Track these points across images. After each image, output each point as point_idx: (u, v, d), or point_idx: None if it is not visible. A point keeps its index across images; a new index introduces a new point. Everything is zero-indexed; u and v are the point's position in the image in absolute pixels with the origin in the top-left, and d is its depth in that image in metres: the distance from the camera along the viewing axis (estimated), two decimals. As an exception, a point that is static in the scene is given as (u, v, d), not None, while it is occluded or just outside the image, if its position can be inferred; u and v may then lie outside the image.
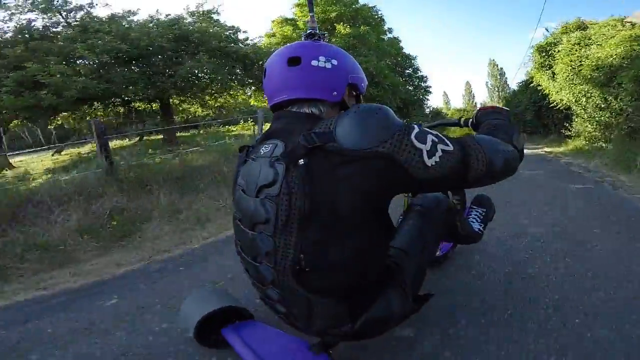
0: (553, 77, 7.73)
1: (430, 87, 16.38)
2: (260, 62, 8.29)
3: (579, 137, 7.15)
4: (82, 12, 7.93)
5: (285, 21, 14.14)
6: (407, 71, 15.90)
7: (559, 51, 7.30)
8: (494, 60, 45.74)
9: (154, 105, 10.39)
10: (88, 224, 3.44)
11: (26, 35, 6.96)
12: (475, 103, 44.88)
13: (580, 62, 6.48)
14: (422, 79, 16.10)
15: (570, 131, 7.40)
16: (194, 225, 3.76)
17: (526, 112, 10.89)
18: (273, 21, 14.22)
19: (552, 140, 9.36)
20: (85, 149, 12.45)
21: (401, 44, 15.82)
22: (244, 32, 9.23)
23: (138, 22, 7.62)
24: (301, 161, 0.68)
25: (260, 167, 0.76)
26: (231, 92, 10.47)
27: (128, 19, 8.08)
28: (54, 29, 7.67)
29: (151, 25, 7.24)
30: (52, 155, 12.03)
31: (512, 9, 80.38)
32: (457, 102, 55.41)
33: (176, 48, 7.04)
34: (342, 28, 12.03)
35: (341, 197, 0.67)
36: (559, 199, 3.02)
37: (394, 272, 0.87)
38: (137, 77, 6.72)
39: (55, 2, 7.42)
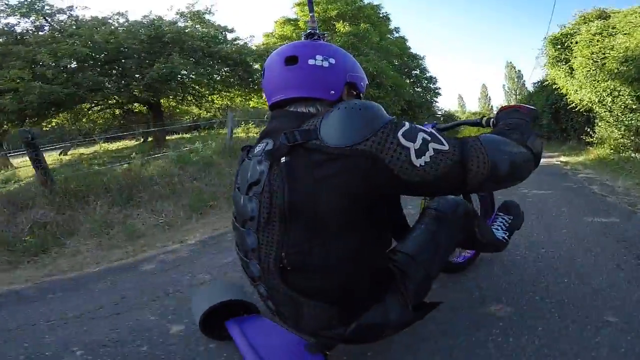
0: (571, 73, 6.76)
1: (440, 88, 15.60)
2: (246, 63, 7.87)
3: (602, 144, 6.10)
4: (64, 16, 7.77)
5: (288, 21, 13.85)
6: (414, 72, 15.17)
7: (577, 42, 6.28)
8: (511, 62, 44.17)
9: (141, 107, 10.20)
10: (5, 237, 3.11)
11: (2, 39, 6.81)
12: (492, 106, 44.00)
13: (604, 54, 5.53)
14: (431, 79, 15.33)
15: (592, 137, 6.37)
16: (123, 242, 3.28)
17: (542, 115, 9.90)
18: (276, 21, 13.99)
19: (571, 147, 8.35)
20: (89, 150, 12.64)
21: (408, 44, 15.19)
22: (230, 31, 8.83)
23: (113, 24, 7.35)
24: (283, 159, 0.68)
25: (251, 165, 0.78)
26: (226, 93, 10.19)
27: (117, 21, 7.90)
28: (40, 33, 7.56)
29: (120, 28, 6.93)
30: (60, 154, 12.32)
31: (531, 8, 77.66)
32: (473, 105, 54.18)
33: (148, 49, 6.73)
34: (342, 26, 11.53)
35: (322, 197, 0.67)
36: (576, 248, 1.80)
37: (396, 278, 0.83)
38: (104, 80, 6.42)
39: (35, 6, 7.27)
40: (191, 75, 7.33)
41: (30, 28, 7.51)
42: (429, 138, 0.67)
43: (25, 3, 6.76)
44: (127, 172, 4.12)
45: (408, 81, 15.39)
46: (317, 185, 0.66)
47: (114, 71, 6.86)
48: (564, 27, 7.32)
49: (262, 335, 0.98)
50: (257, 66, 8.02)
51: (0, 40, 6.92)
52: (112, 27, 6.72)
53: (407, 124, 0.69)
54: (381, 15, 14.20)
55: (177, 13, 8.95)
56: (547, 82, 8.62)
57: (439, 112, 17.62)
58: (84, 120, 12.03)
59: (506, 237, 1.33)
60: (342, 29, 11.55)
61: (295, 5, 13.26)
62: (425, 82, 15.43)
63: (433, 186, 0.68)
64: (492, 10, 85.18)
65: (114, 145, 11.35)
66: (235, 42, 8.85)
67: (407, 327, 0.89)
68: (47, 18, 7.70)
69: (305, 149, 0.68)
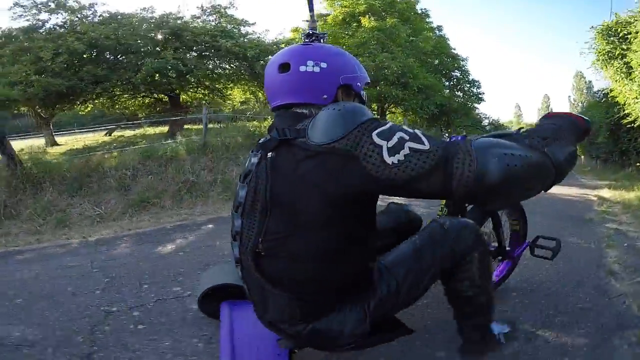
0: (629, 74, 5.49)
1: (483, 93, 14.21)
2: (249, 58, 8.05)
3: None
4: (89, 12, 8.64)
5: (318, 17, 13.85)
6: (455, 73, 14.08)
7: (637, 32, 5.06)
8: (581, 72, 39.00)
9: (162, 97, 11.02)
10: None
11: (31, 35, 7.79)
12: None
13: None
14: (474, 83, 14.08)
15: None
16: (50, 230, 3.59)
17: (599, 132, 8.53)
18: (304, 20, 14.10)
19: (627, 176, 7.05)
20: (129, 133, 14.22)
21: (451, 44, 14.18)
22: (249, 25, 9.17)
23: (130, 20, 7.98)
24: (270, 154, 0.75)
25: (250, 157, 0.86)
26: (242, 87, 10.57)
27: (141, 17, 8.62)
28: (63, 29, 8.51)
29: (125, 25, 7.50)
30: (105, 135, 14.19)
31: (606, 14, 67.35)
32: (532, 116, 49.27)
33: (148, 45, 7.20)
34: (367, 21, 11.14)
35: (302, 191, 0.71)
36: None
37: (365, 289, 0.84)
38: (106, 74, 7.04)
39: (61, 2, 8.20)
40: (194, 70, 7.66)
41: (60, 23, 8.44)
42: (407, 137, 0.66)
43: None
44: (85, 163, 4.43)
45: (447, 84, 14.41)
46: (298, 180, 0.71)
47: (117, 65, 7.48)
48: (620, 15, 5.88)
49: (246, 321, 1.03)
50: (262, 62, 8.15)
51: (20, 37, 7.83)
52: (116, 24, 7.31)
53: (388, 124, 0.69)
54: (419, 12, 13.46)
55: (198, 7, 9.45)
56: (605, 90, 7.36)
57: (485, 120, 16.18)
58: (117, 106, 13.26)
59: (498, 335, 1.03)
60: (367, 24, 11.17)
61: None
62: (468, 85, 14.26)
63: (410, 187, 0.66)
64: (564, 18, 75.76)
65: (154, 130, 12.55)
66: (248, 37, 9.09)
67: (370, 346, 0.89)
68: (76, 14, 8.58)
69: (291, 145, 0.73)
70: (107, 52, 7.47)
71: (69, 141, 13.84)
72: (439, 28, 14.22)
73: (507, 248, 1.50)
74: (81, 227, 3.60)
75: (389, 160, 0.64)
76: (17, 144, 14.38)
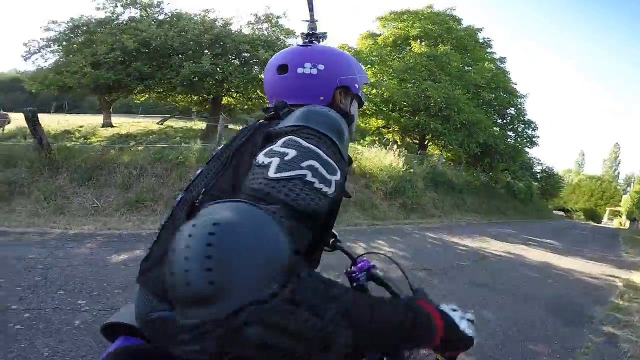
0: None
1: (538, 137, 13.14)
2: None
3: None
4: (157, 8, 9.71)
5: (370, 36, 14.09)
6: (510, 111, 13.25)
7: None
8: None
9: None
10: None
11: (104, 27, 8.95)
12: (618, 172, 37.57)
13: None
14: (529, 125, 13.13)
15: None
16: (48, 214, 4.04)
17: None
18: (361, 34, 14.41)
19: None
20: (179, 125, 15.60)
21: (511, 78, 13.44)
22: (295, 36, 9.77)
23: (194, 19, 8.81)
24: (243, 138, 0.75)
25: None
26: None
27: (202, 17, 9.53)
28: (134, 23, 9.66)
29: (175, 26, 8.27)
30: (158, 123, 15.85)
31: None
32: (595, 167, 44.27)
33: (192, 48, 7.84)
34: (417, 46, 11.02)
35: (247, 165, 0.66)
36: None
37: None
38: (150, 72, 7.82)
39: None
40: (231, 76, 8.19)
41: (136, 17, 9.55)
42: (309, 173, 0.53)
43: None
44: (99, 156, 4.93)
45: (499, 121, 13.65)
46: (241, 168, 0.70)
47: (163, 65, 8.28)
48: None
49: None
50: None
51: (92, 28, 8.93)
52: (168, 26, 8.11)
53: (310, 150, 0.55)
54: (480, 40, 13.02)
55: (252, 14, 10.16)
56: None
57: (537, 166, 14.94)
58: (168, 99, 14.52)
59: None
60: (416, 49, 11.06)
61: (378, 19, 13.34)
62: (522, 126, 13.35)
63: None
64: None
65: (202, 126, 13.49)
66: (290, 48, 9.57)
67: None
68: (146, 10, 9.65)
69: (262, 130, 0.73)
70: (157, 52, 8.33)
71: (124, 123, 15.59)
72: (502, 60, 13.60)
73: None
74: (74, 217, 4.01)
75: (271, 174, 0.52)
76: (78, 119, 16.27)
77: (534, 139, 13.27)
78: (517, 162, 12.75)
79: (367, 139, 12.63)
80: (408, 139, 13.44)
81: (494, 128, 12.75)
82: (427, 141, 12.54)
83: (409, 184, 7.40)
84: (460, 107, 10.76)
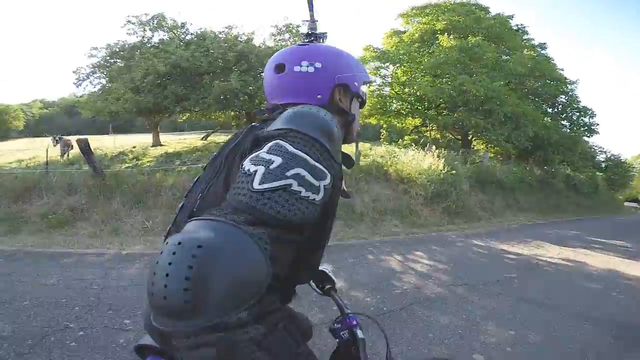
0: None
1: (597, 124, 11.91)
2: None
3: None
4: (182, 29, 10.43)
5: (395, 33, 13.91)
6: (560, 99, 12.20)
7: None
8: None
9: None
10: (43, 210, 4.72)
11: (138, 51, 9.79)
12: None
13: None
14: (585, 111, 11.98)
15: None
16: (106, 235, 4.45)
17: None
18: (385, 33, 14.28)
19: None
20: (222, 139, 16.49)
21: (555, 63, 12.44)
22: None
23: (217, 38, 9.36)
24: (234, 142, 0.76)
25: None
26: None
27: (226, 34, 10.09)
28: (164, 46, 10.42)
29: (192, 45, 8.77)
30: (202, 139, 16.70)
31: None
32: None
33: (219, 66, 8.28)
34: (445, 40, 10.60)
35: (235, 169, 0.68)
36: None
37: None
38: (185, 93, 8.37)
39: (160, 22, 10.12)
40: (258, 92, 8.53)
41: (165, 40, 10.35)
42: (295, 182, 0.52)
43: (156, 18, 9.54)
44: (147, 179, 5.34)
45: (549, 111, 12.67)
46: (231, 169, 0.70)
47: (196, 85, 8.84)
48: None
49: None
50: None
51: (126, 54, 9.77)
52: (194, 47, 8.64)
53: (298, 156, 0.54)
54: (514, 28, 12.25)
55: (272, 26, 10.54)
56: None
57: (600, 154, 13.53)
58: (206, 117, 15.43)
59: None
60: (445, 43, 10.64)
61: (400, 15, 13.09)
62: (577, 114, 12.22)
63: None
64: None
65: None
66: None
67: None
68: (173, 32, 10.41)
69: (252, 133, 0.70)
70: (187, 73, 8.91)
71: (171, 142, 16.78)
72: (542, 46, 12.68)
73: None
74: (128, 238, 4.38)
75: (256, 185, 0.52)
76: (132, 139, 17.77)
77: (592, 127, 12.08)
78: (575, 152, 11.67)
79: (406, 138, 12.35)
80: (450, 135, 12.93)
81: (546, 119, 11.84)
82: (470, 137, 11.94)
83: (452, 187, 7.06)
84: (503, 100, 10.15)
